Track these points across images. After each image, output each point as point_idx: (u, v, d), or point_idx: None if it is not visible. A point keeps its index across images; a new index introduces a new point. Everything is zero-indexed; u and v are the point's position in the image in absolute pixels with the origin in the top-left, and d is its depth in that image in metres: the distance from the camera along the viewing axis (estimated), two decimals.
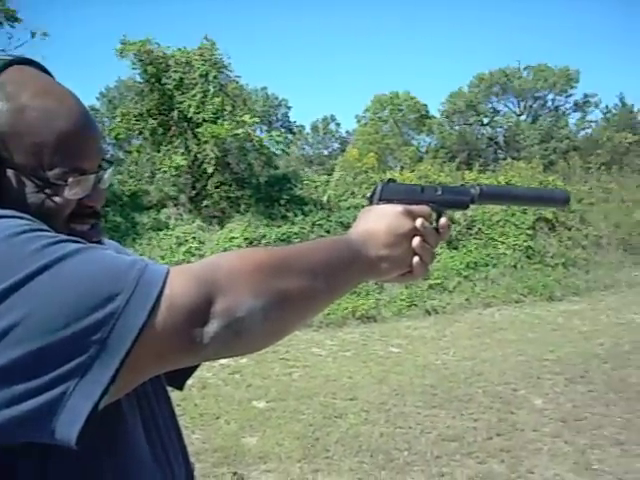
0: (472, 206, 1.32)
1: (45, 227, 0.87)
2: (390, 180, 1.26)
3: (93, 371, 0.76)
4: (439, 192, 1.27)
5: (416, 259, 1.17)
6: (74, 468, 0.87)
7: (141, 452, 0.99)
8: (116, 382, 0.77)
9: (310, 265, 0.98)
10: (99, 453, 0.88)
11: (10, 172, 0.94)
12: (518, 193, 1.45)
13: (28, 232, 0.81)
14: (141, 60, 14.29)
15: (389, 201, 1.21)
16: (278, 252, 0.98)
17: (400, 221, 1.15)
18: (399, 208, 1.17)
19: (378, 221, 1.15)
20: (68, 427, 0.75)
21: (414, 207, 1.19)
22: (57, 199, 0.96)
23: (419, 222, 1.17)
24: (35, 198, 0.95)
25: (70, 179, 0.96)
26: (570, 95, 40.83)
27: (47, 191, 0.96)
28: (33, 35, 14.93)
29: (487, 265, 13.41)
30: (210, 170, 14.02)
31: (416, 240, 1.16)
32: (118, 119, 15.55)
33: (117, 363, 0.76)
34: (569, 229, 15.23)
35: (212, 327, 0.83)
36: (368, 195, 1.26)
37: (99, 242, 1.07)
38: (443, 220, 1.24)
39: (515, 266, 13.49)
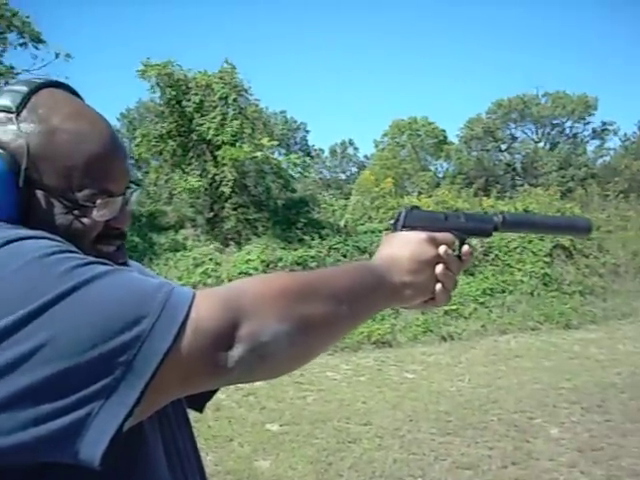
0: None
1: (74, 248, 0.88)
2: (414, 207, 1.27)
3: (118, 393, 0.77)
4: (462, 220, 1.28)
5: (439, 286, 1.18)
6: None
7: (161, 473, 1.00)
8: (141, 404, 0.78)
9: (334, 290, 0.98)
10: (120, 473, 0.89)
11: (40, 193, 0.95)
12: (541, 221, 1.45)
13: (58, 253, 0.82)
14: (162, 82, 14.43)
15: (413, 228, 1.22)
16: (303, 277, 0.99)
17: (424, 248, 1.17)
18: (423, 235, 1.19)
19: (402, 248, 1.16)
20: (92, 447, 0.75)
21: (438, 234, 1.21)
22: (85, 220, 0.98)
23: (442, 249, 1.18)
24: (63, 219, 0.97)
25: (98, 201, 0.98)
26: (588, 122, 40.75)
27: (75, 212, 0.97)
28: (57, 56, 15.18)
29: (503, 292, 13.33)
30: (227, 192, 14.08)
31: (439, 267, 1.17)
32: (138, 139, 15.69)
33: (142, 385, 0.77)
34: (587, 257, 15.13)
35: (237, 351, 0.84)
36: (392, 222, 1.27)
37: (124, 263, 1.09)
38: (466, 248, 1.27)
39: (532, 293, 13.40)
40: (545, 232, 1.52)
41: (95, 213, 0.99)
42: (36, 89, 0.99)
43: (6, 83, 14.55)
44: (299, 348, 0.93)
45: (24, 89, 0.98)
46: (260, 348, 0.86)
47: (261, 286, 0.92)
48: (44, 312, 0.76)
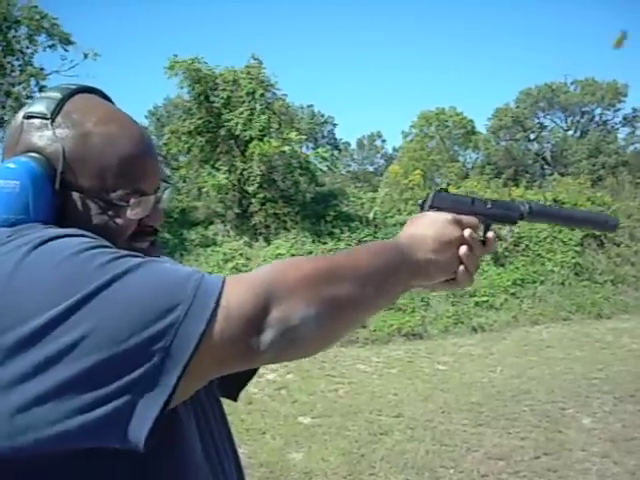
0: (520, 223, 1.35)
1: (106, 243, 0.92)
2: (442, 189, 1.31)
3: (158, 378, 0.80)
4: (489, 205, 1.31)
5: (461, 267, 1.21)
6: (136, 469, 0.91)
7: (196, 456, 1.03)
8: (179, 387, 0.81)
9: (360, 271, 1.01)
10: (158, 455, 0.92)
11: (75, 195, 0.99)
12: (567, 214, 1.46)
13: (92, 249, 0.86)
14: (190, 78, 14.50)
15: (439, 209, 1.25)
16: (329, 260, 1.01)
17: (448, 229, 1.20)
18: (448, 216, 1.22)
19: (427, 227, 1.19)
20: (137, 431, 0.79)
21: (463, 217, 1.24)
22: (119, 220, 1.02)
23: (467, 232, 1.22)
24: (99, 219, 1.01)
25: (132, 200, 1.02)
26: (618, 109, 40.23)
27: (110, 212, 1.01)
28: (85, 56, 15.33)
29: (534, 282, 13.23)
30: (255, 187, 14.11)
31: (463, 249, 1.20)
32: (167, 136, 15.78)
33: (180, 370, 0.81)
34: (618, 245, 14.95)
35: (268, 335, 0.87)
36: (420, 202, 1.31)
37: (157, 257, 1.12)
38: (490, 233, 1.29)
39: (563, 283, 13.30)
40: (571, 225, 1.53)
41: (129, 212, 1.02)
42: (69, 95, 1.03)
43: (36, 84, 14.75)
44: (327, 329, 0.96)
45: (58, 95, 1.02)
46: (290, 331, 0.89)
47: (289, 270, 0.94)
48: (83, 306, 0.80)
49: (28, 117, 1.01)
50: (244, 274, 0.94)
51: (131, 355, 0.80)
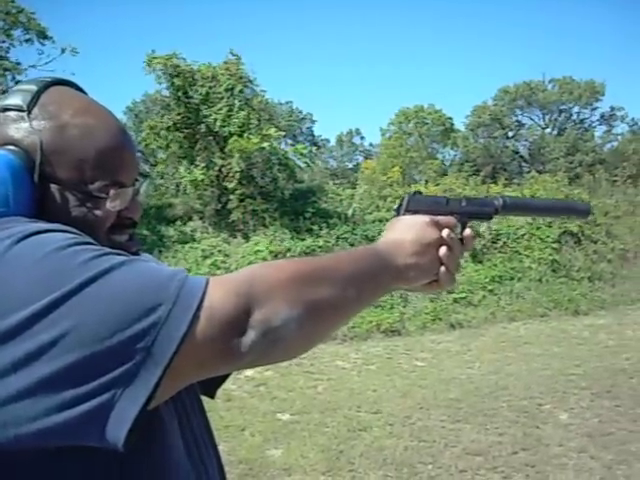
0: (496, 218, 1.36)
1: (90, 240, 0.91)
2: (416, 192, 1.31)
3: (139, 378, 0.79)
4: (463, 204, 1.32)
5: (442, 268, 1.21)
6: (114, 467, 0.90)
7: (178, 454, 1.02)
8: (159, 388, 0.81)
9: (342, 275, 1.01)
10: (137, 452, 0.90)
11: (54, 187, 0.99)
12: (540, 204, 1.49)
13: (75, 245, 0.85)
14: (168, 74, 14.43)
15: (415, 212, 1.25)
16: (311, 263, 1.02)
17: (427, 231, 1.20)
18: (426, 219, 1.22)
19: (405, 231, 1.19)
20: (116, 431, 0.79)
21: (440, 218, 1.24)
22: (98, 212, 1.01)
23: (445, 232, 1.22)
24: (78, 211, 1.00)
25: (111, 192, 1.02)
26: (596, 108, 40.44)
27: (89, 204, 1.01)
28: (63, 51, 15.23)
29: (512, 279, 13.32)
30: (234, 183, 14.08)
31: (442, 250, 1.21)
32: (145, 132, 15.71)
33: (161, 370, 0.80)
34: (595, 242, 15.09)
35: (249, 337, 0.86)
36: (395, 207, 1.30)
37: (137, 252, 1.13)
38: (467, 231, 1.30)
39: (540, 280, 13.39)
40: (545, 215, 1.55)
41: (108, 204, 1.02)
42: (45, 87, 1.02)
43: (13, 78, 14.62)
44: (309, 331, 0.96)
45: (33, 88, 1.02)
46: (272, 333, 0.88)
47: (272, 272, 0.94)
48: (65, 302, 0.79)
49: (3, 110, 1.00)
50: (227, 275, 0.94)
51: (112, 353, 0.79)
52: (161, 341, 0.81)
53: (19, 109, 0.99)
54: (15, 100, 1.00)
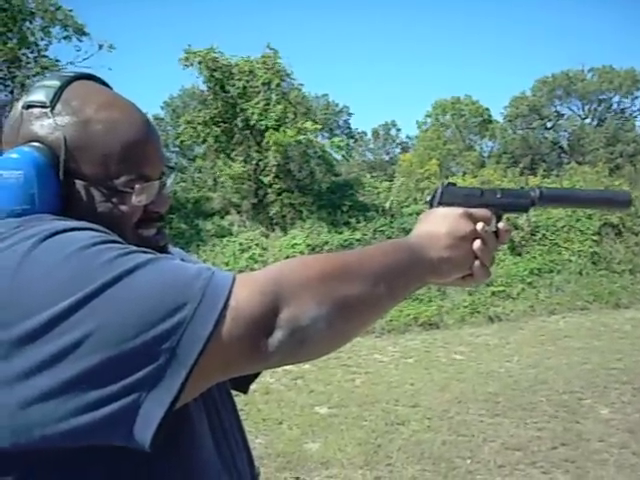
0: (534, 210, 1.32)
1: (116, 238, 0.91)
2: (450, 184, 1.28)
3: (164, 379, 0.79)
4: (499, 195, 1.28)
5: (477, 262, 1.18)
6: (142, 466, 0.90)
7: (208, 453, 1.02)
8: (185, 389, 0.80)
9: (371, 270, 0.99)
10: (167, 453, 0.91)
11: (79, 183, 0.98)
12: (579, 195, 1.43)
13: (99, 244, 0.84)
14: (206, 67, 14.50)
15: (449, 204, 1.22)
16: (339, 259, 0.99)
17: (460, 224, 1.17)
18: (459, 211, 1.19)
19: (439, 223, 1.16)
20: (142, 432, 0.78)
21: (474, 210, 1.21)
22: (124, 207, 1.01)
23: (480, 226, 1.18)
24: (104, 207, 0.99)
25: (136, 186, 1.01)
26: (636, 97, 39.92)
27: (114, 200, 1.00)
28: (100, 47, 15.37)
29: (551, 271, 13.19)
30: (271, 177, 14.13)
31: (477, 243, 1.17)
32: (182, 126, 15.81)
33: (186, 371, 0.79)
34: (636, 234, 14.85)
35: (277, 337, 0.85)
36: (428, 198, 1.27)
37: (165, 246, 1.12)
38: (502, 224, 1.25)
39: (580, 272, 13.24)
40: (584, 206, 1.48)
41: (134, 199, 1.01)
42: (67, 82, 1.02)
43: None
44: (338, 330, 0.94)
45: (56, 83, 1.01)
46: (300, 332, 0.87)
47: (299, 270, 0.93)
48: (88, 303, 0.78)
49: (27, 107, 1.00)
50: (254, 272, 0.93)
51: (137, 354, 0.78)
52: (186, 341, 0.80)
53: (42, 105, 0.99)
54: (38, 96, 1.00)
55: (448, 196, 1.24)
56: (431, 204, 1.25)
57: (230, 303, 0.83)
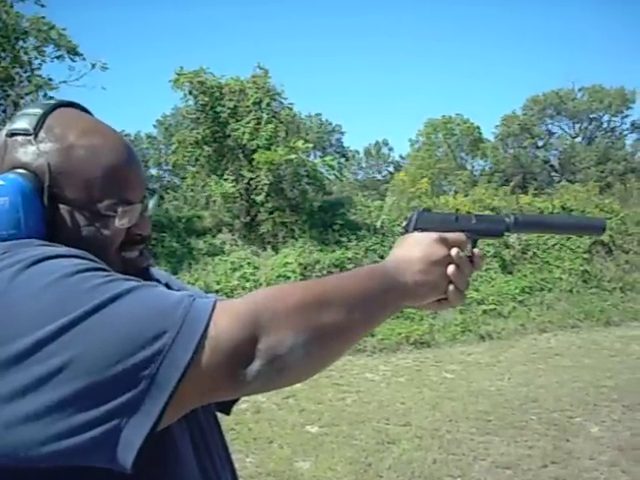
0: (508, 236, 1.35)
1: (101, 264, 0.93)
2: (425, 209, 1.30)
3: (144, 405, 0.81)
4: (473, 221, 1.30)
5: (451, 287, 1.20)
6: None
7: (191, 472, 1.03)
8: (165, 415, 0.82)
9: (347, 297, 1.00)
10: (151, 473, 0.92)
11: (63, 208, 1.01)
12: (554, 221, 1.46)
13: (83, 272, 0.87)
14: (195, 90, 14.55)
15: (424, 229, 1.24)
16: (317, 288, 1.00)
17: (434, 248, 1.18)
18: (434, 236, 1.21)
19: (413, 248, 1.18)
20: (124, 455, 0.80)
21: (449, 235, 1.23)
22: (107, 230, 1.04)
23: (454, 251, 1.20)
24: (87, 231, 1.02)
25: (119, 210, 1.04)
26: (627, 116, 40.11)
27: (97, 223, 1.03)
28: (93, 66, 15.39)
29: (542, 290, 13.22)
30: (262, 196, 14.14)
31: (451, 268, 1.19)
32: (175, 146, 15.83)
33: (165, 398, 0.81)
34: (627, 252, 14.93)
35: (255, 366, 0.87)
36: (404, 224, 1.29)
37: (148, 267, 1.15)
38: (476, 250, 1.27)
39: (571, 291, 13.28)
40: (559, 232, 1.52)
41: (117, 222, 1.04)
42: (50, 110, 1.05)
43: (45, 95, 14.82)
44: (315, 357, 0.95)
45: (39, 111, 1.04)
46: (278, 361, 0.89)
47: (278, 299, 0.94)
48: (71, 329, 0.81)
49: (11, 135, 1.03)
50: (233, 301, 0.94)
51: (118, 381, 0.80)
52: (166, 369, 0.82)
53: (26, 133, 1.02)
54: (22, 124, 1.03)
55: (423, 221, 1.26)
56: (406, 229, 1.27)
57: (209, 332, 0.85)
